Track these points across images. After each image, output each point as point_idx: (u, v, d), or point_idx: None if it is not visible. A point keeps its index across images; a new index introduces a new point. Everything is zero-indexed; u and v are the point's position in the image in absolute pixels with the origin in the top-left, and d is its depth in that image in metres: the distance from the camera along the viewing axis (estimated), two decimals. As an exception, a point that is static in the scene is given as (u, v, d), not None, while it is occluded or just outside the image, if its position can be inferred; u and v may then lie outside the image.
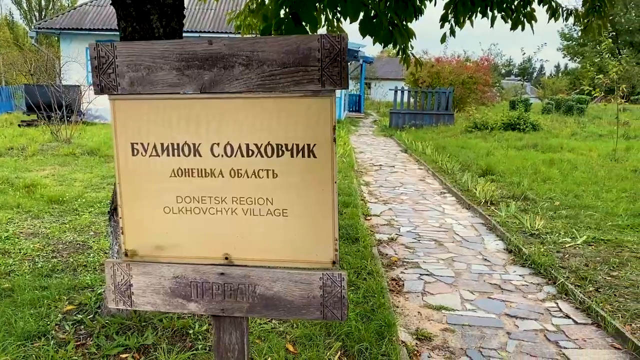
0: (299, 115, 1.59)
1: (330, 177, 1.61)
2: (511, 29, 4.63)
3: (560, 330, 3.56)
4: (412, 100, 20.62)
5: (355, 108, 31.46)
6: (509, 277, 4.58)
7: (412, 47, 4.58)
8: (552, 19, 4.90)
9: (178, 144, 1.67)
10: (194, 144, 1.66)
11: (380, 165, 11.16)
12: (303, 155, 1.61)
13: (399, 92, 20.24)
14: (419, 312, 3.82)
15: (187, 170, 1.68)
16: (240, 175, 1.65)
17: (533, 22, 4.58)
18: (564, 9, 4.92)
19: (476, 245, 5.53)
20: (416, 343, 3.33)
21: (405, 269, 4.77)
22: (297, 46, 1.55)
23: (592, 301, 3.89)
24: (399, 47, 4.27)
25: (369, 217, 6.63)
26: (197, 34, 19.01)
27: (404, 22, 4.07)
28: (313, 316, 1.68)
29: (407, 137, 15.77)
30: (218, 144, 1.65)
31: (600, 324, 3.61)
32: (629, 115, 22.83)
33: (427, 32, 8.16)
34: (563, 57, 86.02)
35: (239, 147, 1.64)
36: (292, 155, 1.61)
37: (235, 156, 1.64)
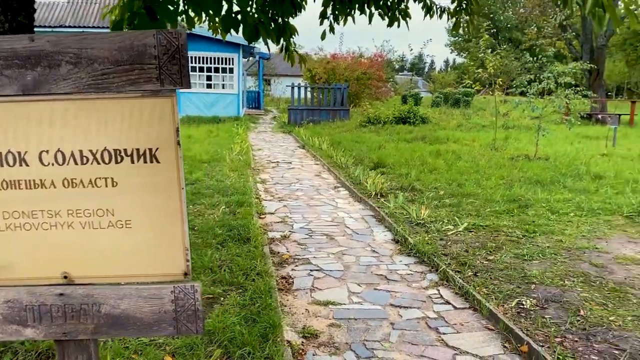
0: (138, 117, 1.47)
1: (176, 182, 1.50)
2: (388, 25, 4.75)
3: (440, 317, 3.70)
4: (309, 96, 20.77)
5: (254, 105, 31.19)
6: (395, 267, 4.71)
7: (295, 44, 4.56)
8: (428, 15, 5.11)
9: (0, 153, 1.48)
10: (19, 153, 1.48)
11: (278, 162, 11.12)
12: (145, 161, 1.49)
13: (296, 89, 20.29)
14: (306, 310, 3.80)
15: (12, 182, 1.50)
16: (75, 185, 1.50)
17: (408, 19, 4.73)
18: (438, 6, 5.14)
19: (366, 238, 5.64)
20: (302, 342, 3.30)
21: (296, 266, 4.76)
22: (130, 42, 1.43)
23: (470, 286, 4.10)
24: (282, 44, 4.22)
25: (263, 216, 6.56)
26: (80, 29, 17.86)
27: (284, 19, 4.02)
28: (166, 332, 1.58)
29: (305, 133, 15.86)
30: (47, 152, 1.48)
31: (476, 307, 3.80)
32: (507, 106, 24.62)
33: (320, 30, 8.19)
34: (451, 53, 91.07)
35: (72, 154, 1.48)
36: (132, 161, 1.49)
37: (67, 164, 1.49)
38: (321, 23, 4.63)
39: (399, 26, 4.75)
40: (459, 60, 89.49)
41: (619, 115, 19.44)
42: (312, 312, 3.76)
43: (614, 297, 3.87)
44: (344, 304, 3.90)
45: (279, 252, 5.13)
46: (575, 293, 3.95)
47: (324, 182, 8.89)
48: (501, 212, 6.27)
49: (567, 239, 5.26)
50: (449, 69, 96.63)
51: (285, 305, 3.86)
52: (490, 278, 4.29)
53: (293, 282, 4.36)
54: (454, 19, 4.64)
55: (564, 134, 14.36)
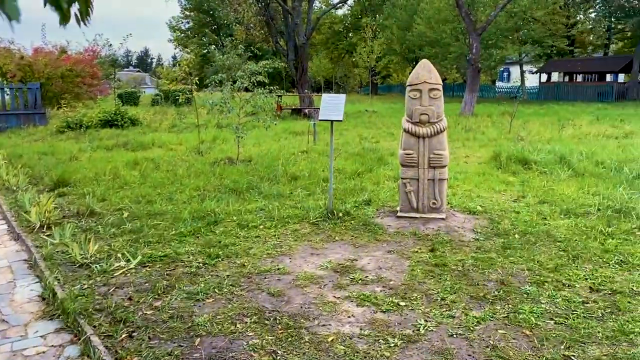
0: None
1: None
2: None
3: None
4: (-10, 98, 17.23)
5: None
6: (25, 344, 3.48)
7: None
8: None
9: None
10: None
11: None
12: None
13: (-31, 90, 16.58)
14: None
15: None
16: None
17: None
18: None
19: (3, 298, 4.23)
20: None
21: None
22: None
23: (119, 355, 3.15)
24: None
25: None
26: None
27: None
28: None
29: (-22, 145, 12.86)
30: None
31: (117, 392, 2.87)
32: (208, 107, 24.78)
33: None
34: (175, 48, 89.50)
35: None
36: None
37: None
38: None
39: None
40: (188, 56, 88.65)
41: (323, 109, 21.05)
42: None
43: (285, 338, 3.37)
44: None
45: None
46: (245, 341, 3.34)
47: (-21, 214, 6.92)
48: (186, 234, 5.50)
49: (250, 261, 4.74)
50: (176, 64, 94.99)
51: None
52: (149, 337, 3.41)
53: None
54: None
55: (273, 131, 14.63)
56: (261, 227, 5.75)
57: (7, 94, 17.47)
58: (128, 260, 4.79)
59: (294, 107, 21.59)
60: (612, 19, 39.60)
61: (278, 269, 4.55)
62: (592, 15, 44.56)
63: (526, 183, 7.62)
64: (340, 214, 5.98)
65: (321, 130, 15.33)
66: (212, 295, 4.05)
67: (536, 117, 19.52)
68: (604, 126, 15.29)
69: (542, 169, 8.29)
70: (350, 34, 54.46)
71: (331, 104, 5.79)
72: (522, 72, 42.99)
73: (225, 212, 6.28)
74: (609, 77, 43.37)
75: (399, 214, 5.88)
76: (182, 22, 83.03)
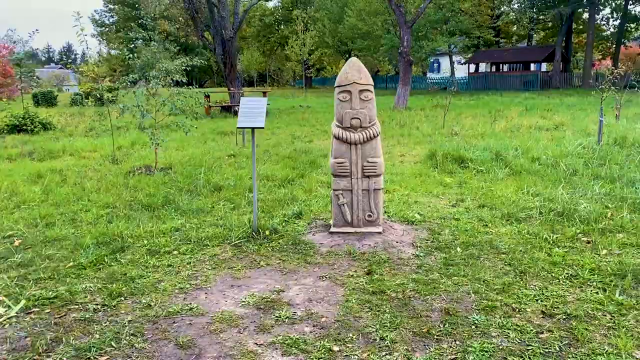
0: None
1: None
2: None
3: None
4: None
5: None
6: None
7: None
8: None
9: None
10: None
11: None
12: None
13: None
14: None
15: None
16: None
17: None
18: None
19: None
20: None
21: None
22: None
23: None
24: None
25: None
26: None
27: None
28: None
29: None
30: None
31: None
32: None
33: None
34: (99, 44, 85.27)
35: None
36: None
37: None
38: None
39: None
40: (115, 51, 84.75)
41: (254, 105, 20.24)
42: None
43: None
44: None
45: None
46: (139, 420, 2.65)
47: None
48: (86, 266, 4.70)
49: (159, 299, 4.02)
50: (101, 60, 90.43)
51: None
52: None
53: None
54: None
55: (199, 132, 13.76)
56: (175, 252, 5.02)
57: None
58: (8, 307, 3.96)
59: (223, 105, 20.66)
60: (534, 10, 40.93)
61: (190, 308, 3.86)
62: (516, 6, 45.97)
63: (464, 184, 7.27)
64: (267, 232, 5.34)
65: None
66: (107, 352, 3.31)
67: (468, 109, 19.61)
68: (534, 117, 15.44)
69: (479, 168, 7.99)
70: (282, 27, 53.65)
71: (251, 109, 5.12)
72: (452, 63, 43.81)
73: (135, 234, 5.50)
74: (533, 67, 44.95)
75: (332, 229, 5.31)
76: (106, 16, 79.31)
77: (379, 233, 5.19)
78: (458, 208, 6.24)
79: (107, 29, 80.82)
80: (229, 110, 19.51)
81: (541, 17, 42.62)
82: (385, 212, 6.03)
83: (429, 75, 53.86)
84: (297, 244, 5.08)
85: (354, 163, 5.14)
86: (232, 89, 21.27)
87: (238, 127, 5.10)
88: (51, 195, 7.17)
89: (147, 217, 6.14)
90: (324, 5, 43.98)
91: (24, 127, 14.51)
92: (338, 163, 5.17)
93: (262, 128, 5.09)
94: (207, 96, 19.82)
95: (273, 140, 12.22)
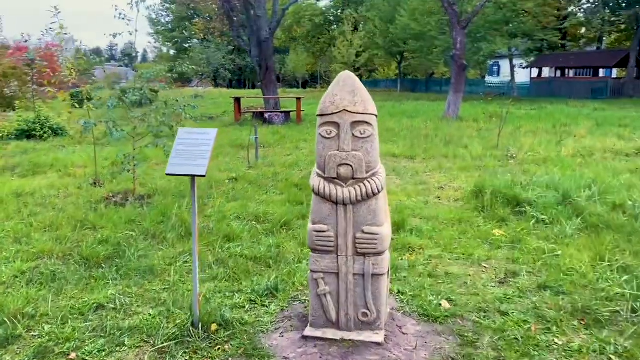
0: None
1: None
2: None
3: None
4: None
5: None
6: None
7: None
8: None
9: None
10: None
11: None
12: None
13: None
14: None
15: None
16: None
17: None
18: None
19: None
20: None
21: None
22: None
23: None
24: None
25: None
26: None
27: None
28: None
29: None
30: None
31: None
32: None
33: None
34: (155, 42, 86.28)
35: None
36: None
37: None
38: None
39: None
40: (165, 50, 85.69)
41: (288, 112, 18.66)
42: None
43: None
44: None
45: None
46: None
47: None
48: None
49: None
50: (158, 58, 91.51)
51: None
52: None
53: None
54: None
55: (220, 141, 12.21)
56: (76, 353, 3.37)
57: None
58: None
59: (256, 111, 19.15)
60: (607, 11, 37.44)
61: None
62: (585, 7, 42.45)
63: (518, 243, 5.29)
64: (213, 327, 3.61)
65: (272, 139, 12.97)
66: None
67: (528, 121, 17.22)
68: (609, 136, 13.01)
69: (540, 216, 5.95)
70: (332, 27, 51.96)
71: (190, 147, 3.41)
72: (512, 67, 40.75)
73: (41, 313, 3.90)
74: (602, 73, 41.38)
75: (307, 330, 3.52)
76: (162, 15, 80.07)
77: (378, 344, 3.35)
78: (507, 289, 4.29)
79: (162, 27, 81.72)
80: (262, 116, 17.96)
81: (614, 18, 38.95)
82: (398, 294, 4.17)
83: (487, 79, 50.80)
84: (249, 356, 3.32)
85: (341, 234, 3.34)
86: (267, 94, 19.75)
87: (168, 174, 3.39)
88: (-9, 233, 5.72)
89: (77, 278, 4.55)
90: (376, 5, 41.85)
91: (33, 133, 13.44)
92: (317, 232, 3.38)
93: (203, 176, 3.36)
94: (238, 100, 18.33)
95: (292, 158, 10.49)
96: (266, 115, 17.61)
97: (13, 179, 8.71)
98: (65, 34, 8.02)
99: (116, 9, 7.30)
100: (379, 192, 3.28)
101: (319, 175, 3.37)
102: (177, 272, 4.69)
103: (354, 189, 3.27)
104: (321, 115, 3.31)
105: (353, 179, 3.27)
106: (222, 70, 51.97)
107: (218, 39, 59.10)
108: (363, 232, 3.31)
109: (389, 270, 3.52)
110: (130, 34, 7.66)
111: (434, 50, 35.74)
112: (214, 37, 63.22)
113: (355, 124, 3.24)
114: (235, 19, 20.32)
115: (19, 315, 3.82)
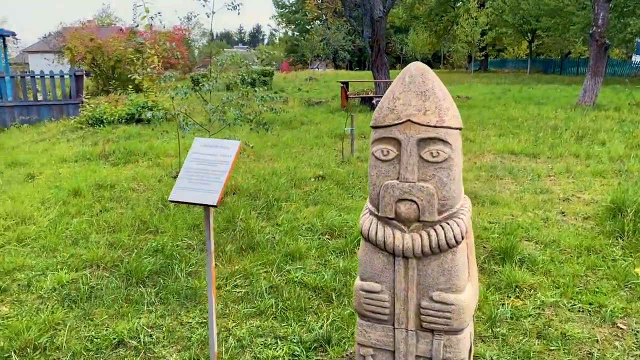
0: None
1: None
2: None
3: None
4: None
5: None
6: None
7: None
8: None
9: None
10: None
11: None
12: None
13: (-2, 79, 15.24)
14: None
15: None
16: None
17: None
18: None
19: None
20: None
21: None
22: None
23: None
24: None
25: None
26: None
27: None
28: None
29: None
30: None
31: None
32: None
33: None
34: (277, 25, 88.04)
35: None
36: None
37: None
38: None
39: None
40: (291, 33, 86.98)
41: (400, 97, 17.40)
42: None
43: None
44: None
45: None
46: None
47: None
48: None
49: None
50: (278, 41, 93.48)
51: None
52: None
53: None
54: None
55: (314, 132, 11.48)
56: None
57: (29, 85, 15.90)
58: None
59: (365, 95, 18.13)
60: None
61: None
62: None
63: (674, 294, 3.86)
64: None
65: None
66: None
67: (686, 110, 14.38)
68: None
69: None
70: (458, 4, 48.92)
71: (204, 164, 2.57)
72: (667, 46, 35.36)
73: (56, 346, 3.36)
74: None
75: (350, 421, 2.57)
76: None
77: None
78: (656, 371, 3.00)
79: (287, 9, 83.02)
80: (370, 101, 16.92)
81: None
82: (490, 365, 3.06)
83: (634, 59, 44.89)
84: None
85: (399, 298, 2.33)
86: (378, 77, 18.64)
87: (171, 201, 2.60)
88: (55, 231, 5.44)
89: (112, 298, 3.99)
90: (506, -21, 38.47)
91: (143, 118, 13.63)
92: (366, 292, 2.39)
93: (215, 207, 2.51)
94: (345, 85, 17.43)
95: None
96: (374, 101, 16.54)
97: (105, 167, 8.62)
98: (151, 17, 7.60)
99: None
100: (456, 243, 2.21)
101: (371, 213, 2.37)
102: (222, 299, 3.95)
103: (420, 236, 2.23)
104: (376, 128, 2.30)
105: (419, 221, 2.23)
106: (341, 52, 51.41)
107: (330, 20, 58.67)
108: (432, 299, 2.27)
109: (471, 350, 2.44)
110: (208, 16, 7.03)
111: (571, 27, 31.99)
112: (327, 17, 62.81)
113: (424, 141, 2.19)
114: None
115: (29, 348, 3.31)
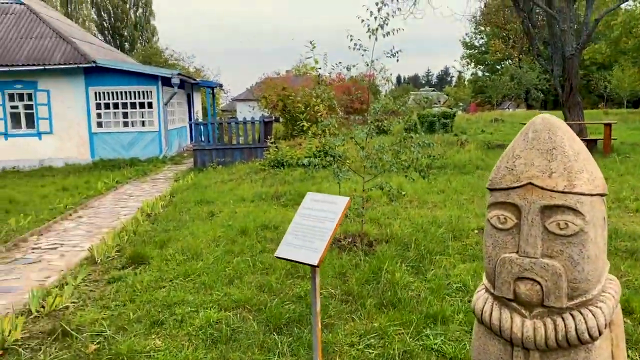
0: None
1: None
2: None
3: None
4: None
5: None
6: None
7: None
8: None
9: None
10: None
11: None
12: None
13: (201, 126, 17.32)
14: None
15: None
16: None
17: None
18: None
19: None
20: None
21: None
22: None
23: None
24: None
25: None
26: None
27: None
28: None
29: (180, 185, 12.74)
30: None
31: None
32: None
33: None
34: (463, 66, 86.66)
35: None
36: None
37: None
38: None
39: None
40: (480, 73, 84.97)
41: (594, 140, 15.66)
42: None
43: None
44: None
45: None
46: None
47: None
48: None
49: None
50: (466, 82, 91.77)
51: None
52: None
53: None
54: None
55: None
56: None
57: (227, 130, 17.65)
58: None
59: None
60: None
61: None
62: None
63: None
64: None
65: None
66: None
67: None
68: None
69: None
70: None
71: (312, 221, 2.47)
72: None
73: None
74: None
75: None
76: (476, 38, 79.76)
77: None
78: None
79: (475, 50, 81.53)
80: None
81: None
82: None
83: None
84: None
85: (518, 399, 1.90)
86: (570, 118, 17.00)
87: (276, 257, 2.52)
88: (217, 268, 5.84)
89: (248, 344, 4.06)
90: None
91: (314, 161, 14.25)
92: (479, 385, 2.01)
93: (316, 267, 2.36)
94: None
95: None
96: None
97: (275, 207, 9.10)
98: (319, 67, 7.92)
99: (351, 39, 6.80)
100: (591, 338, 1.74)
101: (486, 291, 2.01)
102: (353, 358, 3.75)
103: (544, 324, 1.81)
104: (492, 190, 1.96)
105: (543, 306, 1.82)
106: (533, 91, 48.56)
107: (522, 58, 55.84)
108: (559, 406, 1.81)
109: None
110: (367, 65, 7.04)
111: None
112: (516, 55, 59.76)
113: (549, 209, 1.79)
114: (536, 35, 18.15)
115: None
